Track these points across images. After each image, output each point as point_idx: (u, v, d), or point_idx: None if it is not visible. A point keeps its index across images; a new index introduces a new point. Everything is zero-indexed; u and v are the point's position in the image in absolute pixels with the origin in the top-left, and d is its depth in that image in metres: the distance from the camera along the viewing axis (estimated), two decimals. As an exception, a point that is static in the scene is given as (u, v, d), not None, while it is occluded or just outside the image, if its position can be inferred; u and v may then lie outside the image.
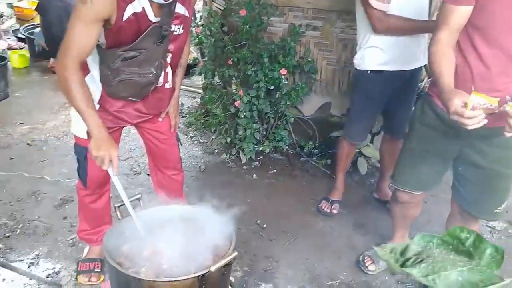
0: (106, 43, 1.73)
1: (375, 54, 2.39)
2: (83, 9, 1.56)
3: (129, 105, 1.96)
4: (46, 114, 4.15)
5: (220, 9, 3.47)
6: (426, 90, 2.10)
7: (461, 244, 0.59)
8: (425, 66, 2.61)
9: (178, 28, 1.83)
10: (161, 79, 1.93)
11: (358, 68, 2.50)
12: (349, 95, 2.92)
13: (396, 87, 2.49)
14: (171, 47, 1.87)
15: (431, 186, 2.12)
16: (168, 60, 1.92)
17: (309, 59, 3.28)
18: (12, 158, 3.40)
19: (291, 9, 3.31)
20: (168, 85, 2.00)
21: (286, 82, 3.20)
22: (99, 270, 2.26)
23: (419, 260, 0.60)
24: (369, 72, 2.44)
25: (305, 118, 3.55)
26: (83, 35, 1.61)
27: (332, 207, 2.90)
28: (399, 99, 2.58)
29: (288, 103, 3.25)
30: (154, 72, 1.85)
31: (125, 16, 1.63)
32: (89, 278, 2.24)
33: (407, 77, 2.48)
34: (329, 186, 3.08)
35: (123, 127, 2.09)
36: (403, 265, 0.61)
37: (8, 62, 4.86)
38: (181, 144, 2.35)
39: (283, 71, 3.13)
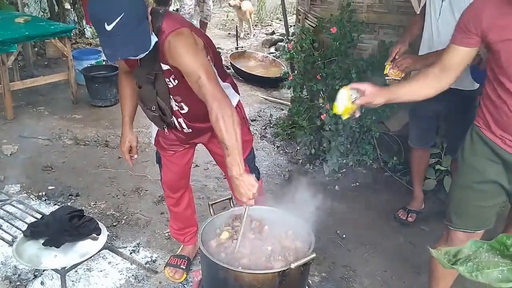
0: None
1: None
2: None
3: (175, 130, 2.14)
4: (149, 120, 4.59)
5: (312, 26, 3.64)
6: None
7: (506, 250, 0.68)
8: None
9: (172, 80, 1.90)
10: (176, 123, 2.07)
11: None
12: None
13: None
14: (177, 98, 1.97)
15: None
16: (175, 107, 2.01)
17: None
18: (119, 157, 3.83)
19: (381, 27, 3.38)
20: (187, 131, 2.11)
21: (373, 97, 3.26)
22: (184, 267, 2.48)
23: (467, 260, 0.70)
24: None
25: (390, 133, 3.57)
26: None
27: (409, 215, 2.94)
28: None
29: (374, 118, 3.31)
30: (156, 111, 2.00)
31: None
32: (174, 273, 2.46)
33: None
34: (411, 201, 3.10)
35: (193, 143, 2.28)
36: (453, 264, 0.72)
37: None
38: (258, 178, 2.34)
39: (370, 87, 3.20)
